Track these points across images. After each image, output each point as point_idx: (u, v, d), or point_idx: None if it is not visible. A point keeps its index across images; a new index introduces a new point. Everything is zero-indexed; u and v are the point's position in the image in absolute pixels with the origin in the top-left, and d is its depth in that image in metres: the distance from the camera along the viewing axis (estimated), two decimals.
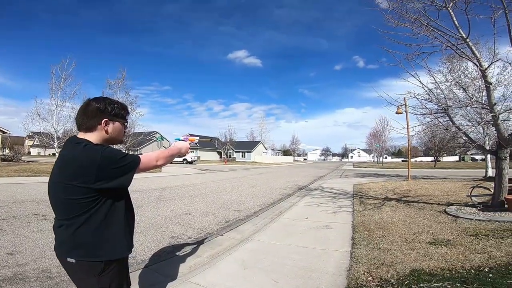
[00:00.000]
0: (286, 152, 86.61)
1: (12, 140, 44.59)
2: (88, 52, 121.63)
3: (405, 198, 7.81)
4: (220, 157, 60.48)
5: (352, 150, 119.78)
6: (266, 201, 8.33)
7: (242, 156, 61.55)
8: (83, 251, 1.24)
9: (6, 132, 23.63)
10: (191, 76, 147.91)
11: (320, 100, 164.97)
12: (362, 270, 2.93)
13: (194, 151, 53.79)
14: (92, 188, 1.21)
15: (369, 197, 8.24)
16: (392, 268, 2.93)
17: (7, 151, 31.34)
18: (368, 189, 10.42)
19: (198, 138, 1.85)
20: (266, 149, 65.87)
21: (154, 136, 50.34)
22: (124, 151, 1.36)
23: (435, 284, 2.47)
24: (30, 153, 58.06)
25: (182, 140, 1.68)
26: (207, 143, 58.27)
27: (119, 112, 1.40)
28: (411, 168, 15.49)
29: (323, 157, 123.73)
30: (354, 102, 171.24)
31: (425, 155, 65.30)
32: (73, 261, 1.24)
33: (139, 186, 11.01)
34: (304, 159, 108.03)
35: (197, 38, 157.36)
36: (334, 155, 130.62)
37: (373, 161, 68.23)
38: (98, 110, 1.33)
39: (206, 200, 8.26)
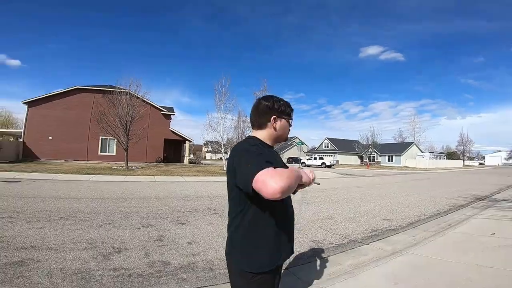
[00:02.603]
0: (451, 155, 69.49)
1: (195, 147, 59.89)
2: (233, 69, 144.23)
3: None
4: (361, 161, 56.01)
5: None
6: (426, 211, 6.82)
7: (388, 160, 54.52)
8: (235, 257, 1.27)
9: (191, 141, 31.98)
10: (322, 81, 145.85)
11: (497, 89, 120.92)
12: None
13: (332, 154, 52.63)
14: (237, 186, 1.20)
15: None
16: None
17: (192, 156, 42.01)
18: None
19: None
20: (421, 152, 55.22)
21: (294, 141, 53.37)
22: (262, 159, 1.12)
23: None
24: (205, 157, 75.38)
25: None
26: (346, 139, 55.98)
27: (285, 109, 1.41)
28: None
29: (511, 161, 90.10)
30: None
31: None
32: (234, 266, 1.30)
33: None
34: (480, 164, 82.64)
35: (321, 43, 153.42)
36: None
37: None
38: (267, 108, 1.36)
39: (349, 206, 7.68)
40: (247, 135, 1.45)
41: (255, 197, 1.11)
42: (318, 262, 3.44)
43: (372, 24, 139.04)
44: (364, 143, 52.71)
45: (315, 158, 42.41)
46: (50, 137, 23.66)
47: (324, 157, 43.39)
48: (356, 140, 56.37)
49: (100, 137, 24.39)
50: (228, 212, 1.35)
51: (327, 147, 59.85)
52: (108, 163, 22.50)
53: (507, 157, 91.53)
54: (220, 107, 22.88)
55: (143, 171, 16.74)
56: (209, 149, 74.84)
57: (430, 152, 55.80)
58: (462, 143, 70.11)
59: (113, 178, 12.90)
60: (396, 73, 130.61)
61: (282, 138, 1.43)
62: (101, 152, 25.41)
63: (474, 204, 7.94)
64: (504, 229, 4.61)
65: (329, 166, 38.41)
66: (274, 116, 1.36)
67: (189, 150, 33.23)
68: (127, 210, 6.08)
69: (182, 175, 15.62)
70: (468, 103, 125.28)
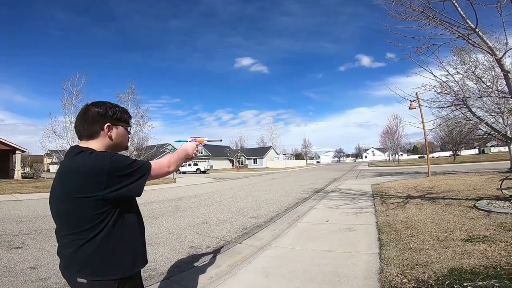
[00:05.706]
0: (298, 156, 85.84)
1: (32, 158, 46.40)
2: (101, 69, 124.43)
3: (429, 195, 7.45)
4: (233, 165, 60.51)
5: (366, 150, 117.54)
6: (282, 206, 8.16)
7: (254, 163, 61.35)
8: (94, 270, 1.12)
9: (24, 151, 24.60)
10: (199, 88, 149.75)
11: (329, 102, 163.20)
12: (395, 272, 2.74)
13: (206, 160, 54.07)
14: (101, 199, 1.10)
15: (391, 196, 7.92)
16: (428, 268, 2.72)
17: (27, 169, 32.49)
18: (388, 188, 10.06)
19: (206, 139, 1.66)
20: (277, 154, 65.47)
21: (166, 148, 50.97)
22: (134, 158, 1.23)
23: (480, 283, 2.25)
24: (49, 170, 59.83)
25: (190, 141, 1.57)
26: (218, 145, 58.51)
27: (122, 116, 1.30)
28: (430, 164, 14.92)
29: (336, 159, 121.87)
30: (364, 102, 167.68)
31: (442, 150, 63.67)
32: (84, 281, 1.11)
33: (155, 197, 11.06)
34: (317, 162, 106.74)
35: (205, 51, 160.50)
36: (347, 156, 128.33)
37: (389, 159, 66.76)
38: (98, 115, 1.22)
39: (222, 208, 8.17)
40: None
41: (115, 206, 1.16)
42: (199, 267, 3.50)
43: (251, 38, 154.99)
44: (234, 148, 57.23)
45: (189, 165, 42.06)
46: None
47: (198, 163, 43.82)
48: (227, 146, 60.38)
49: None
50: (64, 229, 1.15)
51: (201, 153, 60.75)
52: None
53: (333, 156, 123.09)
54: (69, 110, 18.85)
55: None
56: (53, 160, 59.85)
57: (283, 154, 67.17)
58: (305, 146, 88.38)
59: None
60: (261, 84, 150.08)
61: (122, 147, 1.34)
62: None
63: (314, 196, 10.13)
64: (334, 216, 5.98)
65: (204, 172, 39.21)
66: (109, 124, 1.24)
67: (22, 162, 25.56)
68: None
69: (12, 193, 11.97)
70: (309, 113, 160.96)
